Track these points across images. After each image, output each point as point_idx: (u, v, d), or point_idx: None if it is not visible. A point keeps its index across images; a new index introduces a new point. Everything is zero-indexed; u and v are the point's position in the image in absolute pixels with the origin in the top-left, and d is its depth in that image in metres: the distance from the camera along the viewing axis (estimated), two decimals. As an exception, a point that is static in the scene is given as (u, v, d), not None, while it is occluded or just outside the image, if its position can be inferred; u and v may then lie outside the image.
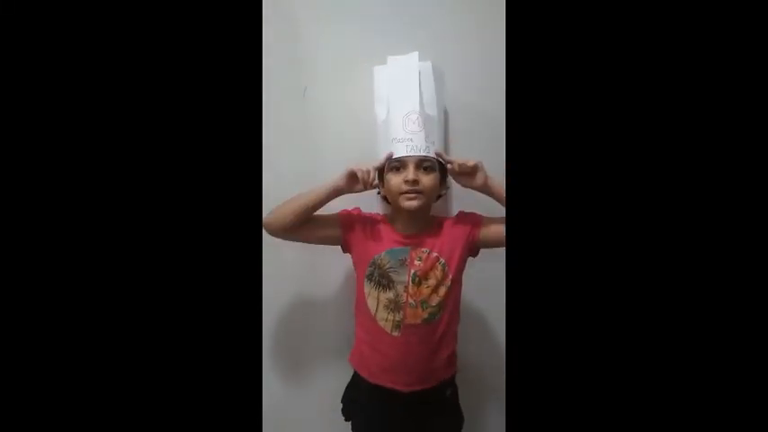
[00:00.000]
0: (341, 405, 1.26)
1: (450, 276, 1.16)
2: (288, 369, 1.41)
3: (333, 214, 1.17)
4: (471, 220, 1.19)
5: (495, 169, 1.22)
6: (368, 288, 1.17)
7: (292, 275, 1.36)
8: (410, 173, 1.08)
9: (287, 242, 1.13)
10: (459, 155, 1.14)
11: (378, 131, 1.18)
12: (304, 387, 1.41)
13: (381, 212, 1.26)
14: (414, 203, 1.10)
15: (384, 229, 1.18)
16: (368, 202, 1.25)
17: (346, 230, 1.17)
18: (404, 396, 1.15)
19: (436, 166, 1.13)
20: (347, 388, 1.25)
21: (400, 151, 1.09)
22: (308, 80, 1.30)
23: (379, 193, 1.22)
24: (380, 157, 1.14)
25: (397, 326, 1.15)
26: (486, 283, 1.27)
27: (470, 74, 1.32)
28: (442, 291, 1.15)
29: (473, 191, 1.15)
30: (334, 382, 1.29)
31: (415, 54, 1.14)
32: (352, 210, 1.19)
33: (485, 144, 1.27)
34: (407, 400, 1.15)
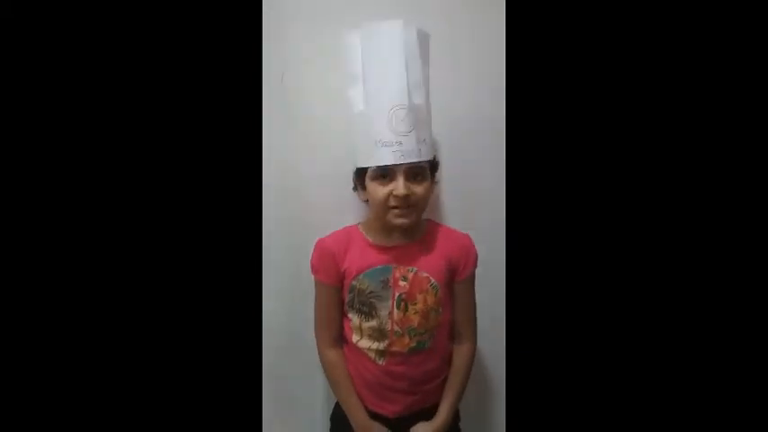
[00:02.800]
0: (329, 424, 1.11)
1: (442, 300, 0.99)
2: (277, 383, 1.19)
3: (324, 289, 1.00)
4: (465, 257, 1.00)
5: (493, 169, 1.10)
6: (350, 314, 0.99)
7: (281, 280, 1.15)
8: (400, 186, 0.86)
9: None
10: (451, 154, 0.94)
11: (355, 125, 0.92)
12: (293, 405, 1.23)
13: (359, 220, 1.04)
14: (406, 221, 0.90)
15: (359, 245, 0.97)
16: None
17: (336, 280, 0.98)
18: (391, 421, 1.01)
19: (428, 170, 0.91)
20: (336, 405, 1.08)
21: (387, 158, 0.86)
22: (286, 65, 1.04)
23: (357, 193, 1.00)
24: (359, 161, 0.92)
25: (382, 354, 0.98)
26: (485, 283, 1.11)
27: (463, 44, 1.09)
28: (432, 316, 0.98)
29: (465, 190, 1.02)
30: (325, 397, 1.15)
31: (400, 23, 0.87)
32: (316, 252, 0.98)
33: (480, 139, 1.13)
34: (396, 424, 1.01)
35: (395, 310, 0.95)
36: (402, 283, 0.95)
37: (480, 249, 1.02)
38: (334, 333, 1.01)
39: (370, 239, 0.97)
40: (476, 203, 1.14)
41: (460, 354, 1.03)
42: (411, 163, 0.86)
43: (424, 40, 0.91)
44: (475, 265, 1.01)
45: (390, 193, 0.87)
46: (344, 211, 1.08)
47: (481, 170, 1.15)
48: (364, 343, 0.98)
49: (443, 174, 1.10)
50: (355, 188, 0.98)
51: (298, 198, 1.13)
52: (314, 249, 0.98)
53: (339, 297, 0.99)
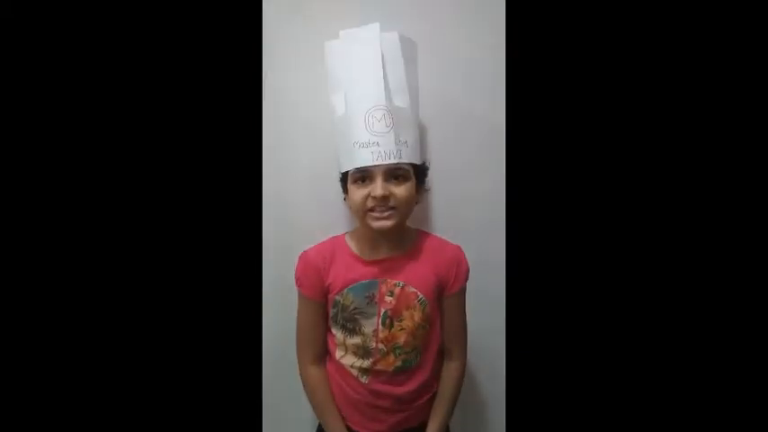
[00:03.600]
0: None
1: (431, 316, 0.92)
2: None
3: (308, 304, 0.94)
4: (455, 271, 0.93)
5: (492, 172, 1.05)
6: (334, 329, 0.93)
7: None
8: (378, 187, 0.82)
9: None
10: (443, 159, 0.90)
11: (336, 129, 0.90)
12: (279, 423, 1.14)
13: (346, 230, 0.99)
14: (386, 223, 0.84)
15: (344, 257, 0.91)
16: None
17: (320, 294, 0.92)
18: None
19: (411, 172, 0.86)
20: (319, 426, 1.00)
21: (364, 159, 0.82)
22: (270, 64, 1.02)
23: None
24: (341, 165, 0.89)
25: (365, 372, 0.92)
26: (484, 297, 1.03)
27: (455, 52, 1.07)
28: (420, 333, 0.91)
29: (456, 197, 1.00)
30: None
31: (376, 26, 0.85)
32: (301, 265, 0.93)
33: (476, 144, 1.09)
34: None
35: (380, 327, 0.89)
36: (388, 299, 0.89)
37: (478, 255, 0.97)
38: (316, 350, 0.95)
39: (356, 252, 0.92)
40: (474, 209, 1.09)
41: (449, 371, 0.96)
42: (389, 164, 0.82)
43: (408, 45, 0.89)
44: (466, 279, 0.94)
45: (368, 195, 0.83)
46: (329, 220, 1.05)
47: (480, 175, 1.11)
48: (348, 360, 0.92)
49: (442, 180, 1.06)
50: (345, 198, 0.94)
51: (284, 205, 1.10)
52: (298, 262, 0.93)
53: (323, 312, 0.93)
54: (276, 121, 1.05)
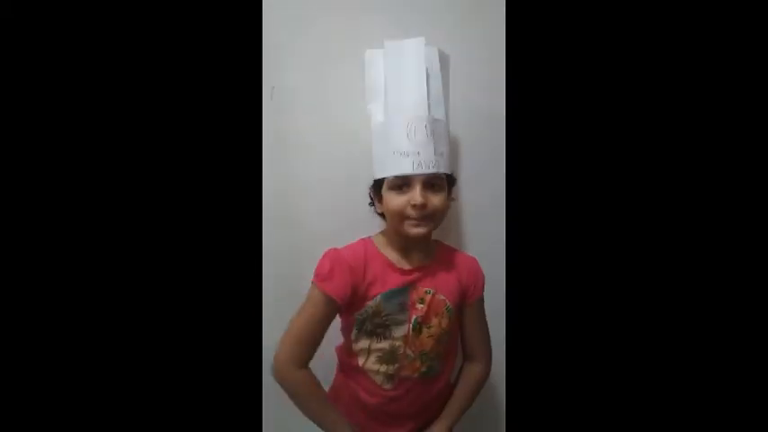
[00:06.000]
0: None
1: (455, 323, 0.95)
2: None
3: (325, 301, 0.88)
4: (474, 279, 0.97)
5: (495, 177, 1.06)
6: (356, 334, 0.92)
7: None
8: (417, 195, 0.84)
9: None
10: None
11: (374, 135, 0.92)
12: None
13: (372, 234, 1.00)
14: (422, 230, 0.86)
15: (376, 264, 0.92)
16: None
17: (344, 294, 0.88)
18: None
19: (445, 182, 0.89)
20: None
21: (405, 168, 0.84)
22: (276, 78, 1.03)
23: (373, 207, 0.98)
24: (378, 172, 0.90)
25: (390, 378, 0.92)
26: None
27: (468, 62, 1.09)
28: (444, 339, 0.94)
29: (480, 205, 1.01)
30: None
31: (421, 40, 0.88)
32: (330, 262, 0.89)
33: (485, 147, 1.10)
34: None
35: (410, 333, 0.90)
36: (419, 306, 0.91)
37: (480, 262, 1.01)
38: (311, 352, 0.89)
39: (389, 258, 0.93)
40: (475, 218, 1.12)
41: (471, 372, 0.99)
42: (429, 174, 0.84)
43: (444, 60, 0.92)
44: (483, 287, 0.98)
45: (407, 203, 0.85)
46: (333, 225, 1.07)
47: (481, 182, 1.14)
48: (372, 365, 0.92)
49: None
50: (371, 203, 0.96)
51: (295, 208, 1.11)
52: (324, 258, 0.90)
53: (334, 315, 0.90)
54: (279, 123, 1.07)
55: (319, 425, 0.90)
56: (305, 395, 0.89)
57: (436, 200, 0.86)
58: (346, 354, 0.95)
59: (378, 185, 0.91)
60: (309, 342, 0.88)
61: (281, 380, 0.87)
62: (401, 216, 0.86)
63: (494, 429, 1.26)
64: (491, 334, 1.02)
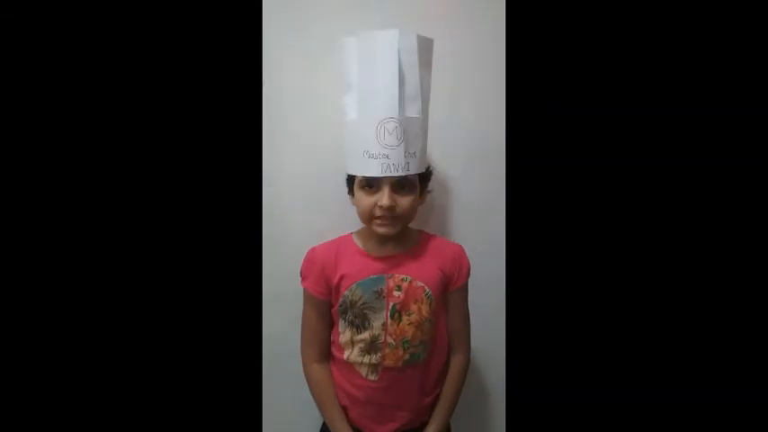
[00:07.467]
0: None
1: (437, 310, 0.97)
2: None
3: (312, 301, 0.98)
4: (458, 267, 0.99)
5: (492, 178, 1.06)
6: (341, 327, 0.98)
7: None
8: (385, 197, 0.86)
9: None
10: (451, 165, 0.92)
11: (347, 131, 0.92)
12: (281, 422, 1.23)
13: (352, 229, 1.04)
14: (389, 231, 0.89)
15: (351, 254, 0.96)
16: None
17: (324, 291, 0.97)
18: None
19: (416, 182, 0.90)
20: (324, 425, 1.07)
21: (373, 171, 0.85)
22: (265, 71, 1.03)
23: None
24: (349, 168, 0.92)
25: (374, 369, 0.96)
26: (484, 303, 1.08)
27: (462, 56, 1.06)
28: (426, 327, 0.96)
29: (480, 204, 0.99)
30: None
31: (395, 33, 0.84)
32: (305, 261, 0.98)
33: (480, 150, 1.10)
34: None
35: (389, 320, 0.95)
36: (396, 293, 0.94)
37: (481, 259, 1.01)
38: (319, 348, 1.00)
39: (363, 248, 0.97)
40: (476, 214, 1.11)
41: (454, 364, 1.02)
42: (397, 176, 0.85)
43: (425, 46, 0.88)
44: (468, 275, 0.99)
45: (375, 204, 0.87)
46: (330, 220, 1.09)
47: (481, 181, 1.13)
48: (356, 357, 0.96)
49: (443, 184, 1.08)
50: (350, 192, 0.98)
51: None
52: (304, 258, 0.98)
53: (327, 311, 0.98)
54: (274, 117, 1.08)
55: (327, 423, 1.00)
56: (314, 389, 1.00)
57: (405, 201, 0.88)
58: (336, 349, 1.00)
59: (350, 179, 0.93)
60: (312, 338, 1.00)
61: (304, 374, 1.01)
62: (369, 216, 0.89)
63: (494, 429, 1.31)
64: (491, 334, 1.05)
